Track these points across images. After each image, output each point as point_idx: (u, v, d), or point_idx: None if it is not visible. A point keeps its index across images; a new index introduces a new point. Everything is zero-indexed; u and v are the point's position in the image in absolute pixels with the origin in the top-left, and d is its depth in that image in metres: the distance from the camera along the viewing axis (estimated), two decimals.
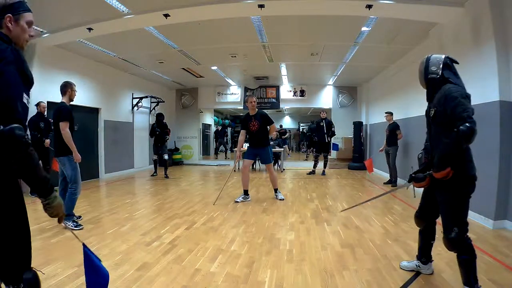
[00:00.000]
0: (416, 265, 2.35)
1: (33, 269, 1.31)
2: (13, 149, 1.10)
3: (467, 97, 1.89)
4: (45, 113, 5.41)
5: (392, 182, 6.39)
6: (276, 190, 5.18)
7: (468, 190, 1.95)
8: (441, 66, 2.05)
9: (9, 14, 1.27)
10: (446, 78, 2.02)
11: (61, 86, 3.55)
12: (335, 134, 8.50)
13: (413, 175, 2.11)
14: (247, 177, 5.02)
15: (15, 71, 1.18)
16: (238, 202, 4.87)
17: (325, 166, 8.54)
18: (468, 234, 1.93)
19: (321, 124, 8.31)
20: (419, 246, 2.34)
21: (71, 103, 3.64)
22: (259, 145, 4.95)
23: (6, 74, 1.15)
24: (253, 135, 4.94)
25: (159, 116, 8.03)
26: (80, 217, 3.91)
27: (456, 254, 1.94)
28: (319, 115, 8.62)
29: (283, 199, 5.04)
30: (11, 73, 1.16)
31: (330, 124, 8.30)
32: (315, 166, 8.53)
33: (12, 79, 1.16)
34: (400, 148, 6.39)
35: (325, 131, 8.23)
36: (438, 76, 2.05)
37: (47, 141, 5.27)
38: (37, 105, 5.30)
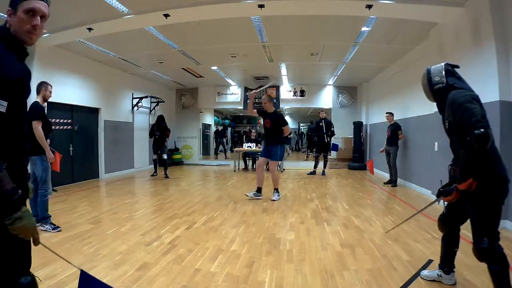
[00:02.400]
0: (437, 274, 2.17)
1: (31, 274, 1.23)
2: None
3: (474, 99, 1.79)
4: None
5: (393, 182, 6.37)
6: (275, 190, 5.18)
7: (497, 195, 1.77)
8: (443, 74, 1.99)
9: (9, 8, 1.19)
10: (451, 84, 1.95)
11: (36, 85, 3.53)
12: (334, 134, 8.50)
13: (441, 189, 1.97)
14: (261, 175, 5.13)
15: None
16: (248, 196, 5.01)
17: (325, 166, 8.54)
18: (498, 244, 1.78)
19: (321, 124, 8.32)
20: (441, 254, 2.18)
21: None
22: (271, 143, 5.08)
23: None
24: (266, 132, 5.18)
25: (160, 119, 8.02)
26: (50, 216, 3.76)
27: (486, 264, 1.78)
28: (319, 115, 8.63)
29: (274, 200, 4.98)
30: None
31: (329, 124, 8.31)
32: (315, 166, 8.53)
33: None
34: (399, 147, 6.40)
35: (325, 131, 8.23)
36: (444, 85, 1.98)
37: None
38: None
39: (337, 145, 9.58)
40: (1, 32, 1.15)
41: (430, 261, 2.55)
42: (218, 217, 4.05)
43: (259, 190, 5.09)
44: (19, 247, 1.16)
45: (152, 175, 8.03)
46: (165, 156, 7.81)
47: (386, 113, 6.58)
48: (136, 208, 4.58)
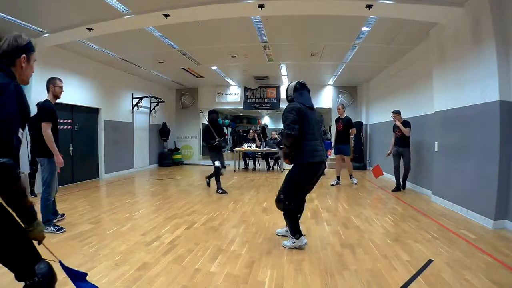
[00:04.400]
0: (285, 230, 3.09)
1: (45, 260, 1.36)
2: (5, 182, 1.15)
3: (293, 109, 2.68)
4: None
5: (402, 184, 5.84)
6: (351, 176, 6.60)
7: (299, 173, 2.72)
8: (293, 90, 2.86)
9: (24, 55, 1.39)
10: (293, 98, 2.84)
11: (46, 83, 3.38)
12: (326, 133, 8.56)
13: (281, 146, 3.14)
14: (339, 166, 6.54)
15: (15, 105, 1.22)
16: (333, 185, 6.22)
17: (325, 167, 8.57)
18: (293, 204, 2.76)
19: None
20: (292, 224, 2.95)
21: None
22: (341, 142, 6.37)
23: (6, 108, 1.19)
24: (338, 133, 6.40)
25: (212, 114, 5.89)
26: (63, 215, 3.87)
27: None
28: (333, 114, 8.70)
29: (356, 183, 6.46)
30: (11, 107, 1.20)
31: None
32: None
33: (12, 114, 1.21)
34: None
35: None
36: (291, 98, 2.86)
37: None
38: (37, 105, 5.30)
39: (330, 142, 9.60)
40: (12, 75, 1.33)
41: (430, 261, 2.55)
42: (218, 217, 4.05)
43: (338, 178, 6.41)
44: (28, 242, 1.34)
45: (221, 192, 5.65)
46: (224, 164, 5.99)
47: (392, 112, 5.86)
48: (136, 208, 4.58)
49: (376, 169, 6.36)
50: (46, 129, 3.21)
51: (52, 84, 3.35)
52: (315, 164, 2.67)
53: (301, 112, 2.68)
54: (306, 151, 2.66)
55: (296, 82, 2.89)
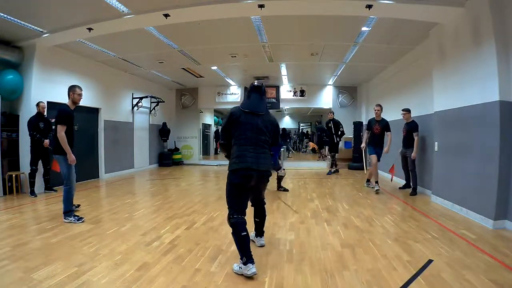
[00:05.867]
0: (253, 235, 2.99)
1: None
2: None
3: (229, 115, 2.53)
4: (45, 113, 5.40)
5: (412, 189, 5.52)
6: (369, 180, 6.22)
7: (229, 181, 2.47)
8: (245, 90, 2.81)
9: None
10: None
11: (67, 89, 3.80)
12: (344, 134, 8.62)
13: None
14: (376, 170, 5.91)
15: None
16: (379, 190, 5.67)
17: (331, 166, 8.68)
18: (236, 216, 2.39)
19: (329, 125, 8.45)
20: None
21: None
22: (378, 145, 5.89)
23: None
24: (375, 136, 5.91)
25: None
26: (78, 205, 4.33)
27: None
28: (326, 115, 8.81)
29: (378, 190, 5.73)
30: None
31: (337, 125, 8.42)
32: (335, 165, 8.68)
33: None
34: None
35: (333, 132, 8.34)
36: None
37: (46, 141, 5.26)
38: (37, 105, 5.30)
39: (350, 142, 9.83)
40: None
41: (430, 261, 2.55)
42: (218, 217, 4.05)
43: (376, 183, 5.86)
44: None
45: (282, 189, 5.95)
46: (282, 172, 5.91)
47: (402, 110, 5.66)
48: (136, 208, 4.58)
49: (391, 169, 6.20)
50: (61, 131, 3.62)
51: (72, 92, 3.75)
52: (240, 170, 2.38)
53: (233, 118, 2.49)
54: (232, 157, 2.46)
55: (252, 83, 2.66)
